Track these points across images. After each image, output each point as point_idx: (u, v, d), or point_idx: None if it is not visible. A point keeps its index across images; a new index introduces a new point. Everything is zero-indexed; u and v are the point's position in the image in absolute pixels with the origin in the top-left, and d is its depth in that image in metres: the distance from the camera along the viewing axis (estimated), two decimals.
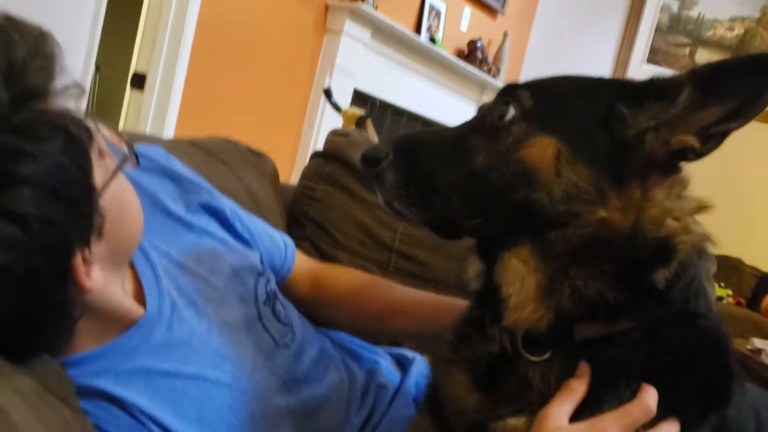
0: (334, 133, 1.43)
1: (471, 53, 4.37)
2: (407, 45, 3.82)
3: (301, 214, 1.35)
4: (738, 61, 0.59)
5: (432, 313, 0.98)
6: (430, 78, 4.16)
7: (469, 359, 0.71)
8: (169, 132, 2.79)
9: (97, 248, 0.66)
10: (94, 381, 0.69)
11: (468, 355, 0.71)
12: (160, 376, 0.73)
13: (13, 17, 0.61)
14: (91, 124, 0.64)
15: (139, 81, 2.79)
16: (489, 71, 4.43)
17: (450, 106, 4.37)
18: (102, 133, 0.69)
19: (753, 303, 3.94)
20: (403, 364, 1.09)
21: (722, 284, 3.87)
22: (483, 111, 0.70)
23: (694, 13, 4.75)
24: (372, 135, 2.08)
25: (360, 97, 3.62)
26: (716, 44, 4.68)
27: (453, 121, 0.80)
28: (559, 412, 0.62)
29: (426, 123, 4.30)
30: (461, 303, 0.83)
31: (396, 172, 0.67)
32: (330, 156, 1.38)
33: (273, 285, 0.95)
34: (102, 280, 0.66)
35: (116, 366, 0.71)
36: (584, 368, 0.63)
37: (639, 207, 0.62)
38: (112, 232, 0.67)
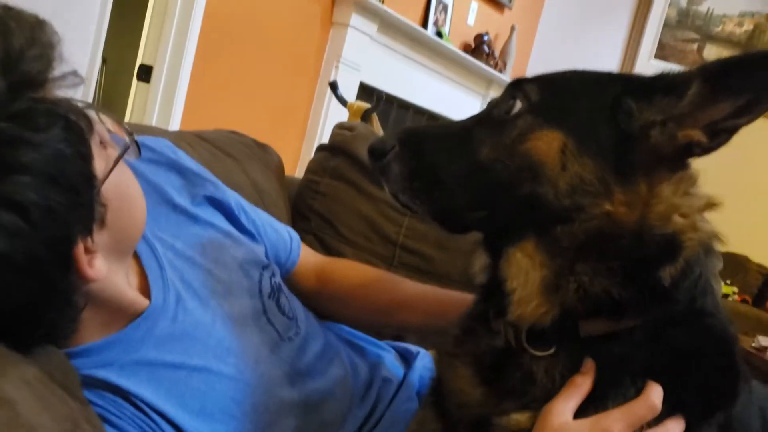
0: (339, 127, 1.43)
1: (478, 47, 4.34)
2: (414, 39, 3.80)
3: (306, 208, 1.35)
4: (748, 57, 0.59)
5: (438, 308, 0.98)
6: (437, 72, 4.14)
7: (474, 353, 0.71)
8: (175, 124, 2.79)
9: (100, 238, 0.66)
10: (98, 372, 0.70)
11: (473, 349, 0.71)
12: (164, 367, 0.73)
13: (11, 6, 0.60)
14: (92, 113, 0.64)
15: (145, 73, 2.79)
16: (496, 66, 4.41)
17: (456, 101, 4.35)
18: (104, 124, 0.69)
19: (759, 301, 3.92)
20: (406, 358, 1.09)
21: (728, 282, 3.85)
22: (491, 105, 0.70)
23: (702, 8, 4.71)
24: (378, 129, 2.08)
25: (366, 91, 3.61)
26: (725, 40, 4.64)
27: (459, 115, 0.80)
28: (564, 408, 0.62)
29: (432, 117, 4.28)
30: (467, 297, 0.83)
31: (402, 164, 0.67)
32: (335, 149, 1.38)
33: (278, 278, 0.95)
34: (105, 270, 0.66)
35: (121, 357, 0.71)
36: (589, 364, 0.63)
37: (645, 202, 0.62)
38: (115, 222, 0.67)
